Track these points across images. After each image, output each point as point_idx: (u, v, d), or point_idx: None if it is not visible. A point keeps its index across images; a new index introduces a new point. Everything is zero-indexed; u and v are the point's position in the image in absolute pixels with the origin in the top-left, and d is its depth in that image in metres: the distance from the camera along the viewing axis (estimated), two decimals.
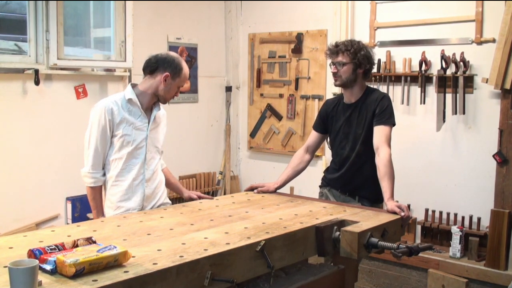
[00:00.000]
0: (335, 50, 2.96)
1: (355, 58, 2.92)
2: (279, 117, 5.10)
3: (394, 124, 2.93)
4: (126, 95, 2.74)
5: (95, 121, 2.68)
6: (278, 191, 3.05)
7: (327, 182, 3.15)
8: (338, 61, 2.94)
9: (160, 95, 2.74)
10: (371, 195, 2.98)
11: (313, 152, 3.20)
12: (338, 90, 4.53)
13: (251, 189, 3.05)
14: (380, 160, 2.78)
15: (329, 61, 3.08)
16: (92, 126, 2.69)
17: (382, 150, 2.80)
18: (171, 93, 2.75)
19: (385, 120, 2.88)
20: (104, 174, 2.75)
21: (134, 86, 2.80)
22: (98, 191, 2.76)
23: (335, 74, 2.97)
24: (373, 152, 2.87)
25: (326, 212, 2.51)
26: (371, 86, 3.15)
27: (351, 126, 3.00)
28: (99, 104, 2.72)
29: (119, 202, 2.73)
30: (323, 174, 3.23)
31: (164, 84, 2.70)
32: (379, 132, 2.87)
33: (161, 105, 2.86)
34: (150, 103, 2.78)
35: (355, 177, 3.01)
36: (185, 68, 2.76)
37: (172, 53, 2.82)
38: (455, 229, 3.91)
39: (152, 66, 2.73)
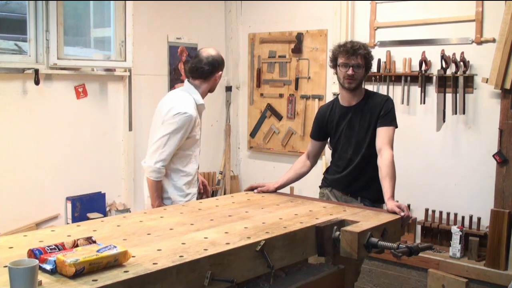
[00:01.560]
0: (355, 52, 2.85)
1: (369, 62, 2.92)
2: (279, 117, 5.10)
3: (396, 127, 2.93)
4: (197, 100, 3.07)
5: (182, 127, 2.95)
6: (278, 191, 3.04)
7: (328, 182, 3.14)
8: (357, 63, 2.86)
9: (212, 89, 3.19)
10: (373, 195, 2.98)
11: (315, 158, 3.18)
12: (337, 89, 4.52)
13: (251, 189, 3.04)
14: (383, 161, 2.77)
15: (331, 61, 3.01)
16: (177, 129, 2.94)
17: (385, 151, 2.80)
18: (215, 85, 3.21)
19: (389, 122, 2.89)
20: None
21: (196, 87, 3.10)
22: (161, 182, 3.04)
23: (351, 77, 2.86)
24: (376, 153, 2.86)
25: (326, 212, 2.51)
26: (370, 86, 3.16)
27: (353, 129, 2.98)
28: (187, 111, 2.96)
29: (188, 190, 3.09)
30: (323, 175, 3.23)
31: (217, 80, 3.16)
32: (382, 133, 2.86)
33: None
34: None
35: (358, 178, 2.99)
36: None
37: (212, 51, 3.14)
38: (455, 229, 3.91)
39: (207, 71, 3.08)
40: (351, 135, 2.98)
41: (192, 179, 3.12)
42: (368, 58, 2.90)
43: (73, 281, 1.52)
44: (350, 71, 2.85)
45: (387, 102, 2.94)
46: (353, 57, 2.85)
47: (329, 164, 3.25)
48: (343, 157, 3.03)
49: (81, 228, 2.14)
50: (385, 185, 2.72)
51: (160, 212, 2.48)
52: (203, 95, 3.12)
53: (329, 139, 3.17)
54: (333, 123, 3.04)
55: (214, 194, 5.23)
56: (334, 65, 2.97)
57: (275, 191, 3.02)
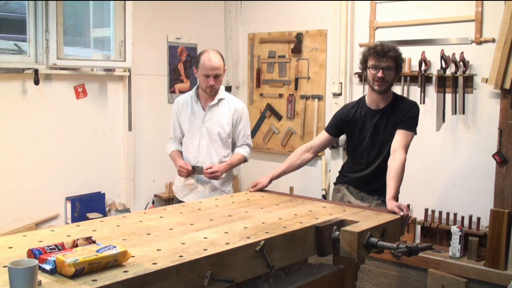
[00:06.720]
0: (385, 54, 2.85)
1: (399, 65, 2.91)
2: (278, 117, 5.10)
3: (415, 134, 2.94)
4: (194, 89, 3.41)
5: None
6: (276, 190, 3.04)
7: (346, 180, 3.13)
8: (387, 66, 2.86)
9: (201, 84, 3.27)
10: None
11: (316, 153, 3.16)
12: (337, 89, 4.54)
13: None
14: (394, 162, 2.76)
15: (361, 63, 2.98)
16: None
17: (398, 153, 2.78)
18: (202, 83, 3.25)
19: (410, 127, 2.90)
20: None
21: None
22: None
23: (381, 79, 2.86)
24: None
25: (325, 212, 2.52)
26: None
27: (379, 132, 2.96)
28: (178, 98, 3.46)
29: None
30: (339, 173, 3.21)
31: (197, 76, 3.29)
32: (400, 136, 2.86)
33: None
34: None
35: (378, 178, 2.97)
36: (204, 56, 3.19)
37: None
38: (454, 229, 3.91)
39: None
40: (376, 138, 2.97)
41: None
42: (398, 60, 2.89)
43: (72, 281, 1.52)
44: (380, 74, 2.85)
45: (414, 108, 2.96)
46: (383, 59, 2.85)
47: (333, 165, 3.23)
48: (365, 158, 3.02)
49: (81, 228, 2.14)
50: (390, 185, 2.72)
51: (160, 212, 2.48)
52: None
53: (346, 138, 3.15)
54: (358, 124, 3.02)
55: None
56: (364, 67, 2.95)
57: (268, 184, 3.02)
